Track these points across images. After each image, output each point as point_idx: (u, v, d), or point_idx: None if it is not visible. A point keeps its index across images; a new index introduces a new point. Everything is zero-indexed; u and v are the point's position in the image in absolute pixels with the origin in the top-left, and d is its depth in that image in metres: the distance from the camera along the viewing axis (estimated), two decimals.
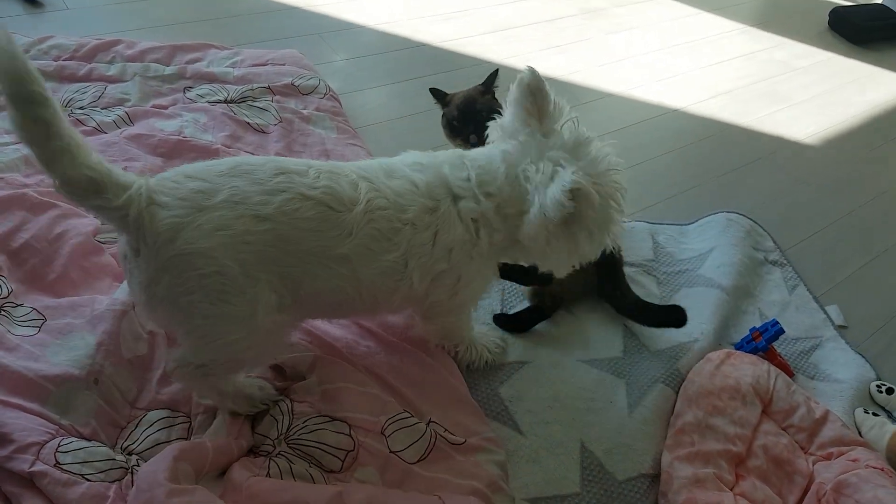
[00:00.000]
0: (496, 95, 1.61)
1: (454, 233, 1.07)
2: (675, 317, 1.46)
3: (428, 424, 1.21)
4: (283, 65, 1.90)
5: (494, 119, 1.19)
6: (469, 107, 1.58)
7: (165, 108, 1.72)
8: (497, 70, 1.59)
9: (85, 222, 1.33)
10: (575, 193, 0.95)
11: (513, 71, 2.27)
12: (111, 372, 1.12)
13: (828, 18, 3.04)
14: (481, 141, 1.56)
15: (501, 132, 1.12)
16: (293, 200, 0.97)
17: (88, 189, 0.87)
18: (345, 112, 1.86)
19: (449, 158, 1.11)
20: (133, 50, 1.84)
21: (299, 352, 1.24)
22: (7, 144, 1.42)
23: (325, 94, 1.87)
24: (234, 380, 1.12)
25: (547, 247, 1.05)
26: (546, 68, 2.30)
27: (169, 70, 1.83)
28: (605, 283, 1.52)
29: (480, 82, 1.61)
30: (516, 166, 1.05)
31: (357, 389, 1.19)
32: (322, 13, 2.26)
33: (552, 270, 1.14)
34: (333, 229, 1.00)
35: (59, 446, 1.01)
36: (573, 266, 1.12)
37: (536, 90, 1.06)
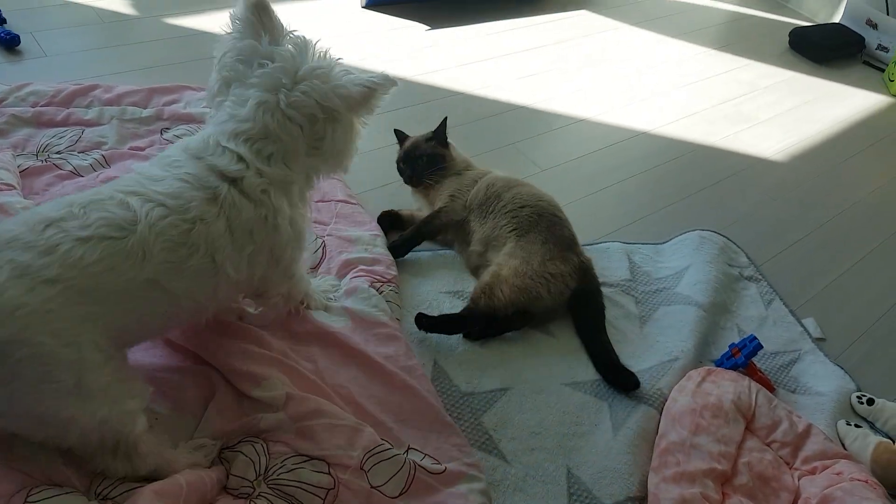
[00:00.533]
0: (449, 140, 1.77)
1: (246, 214, 1.06)
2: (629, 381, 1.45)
3: (406, 453, 1.20)
4: None
5: (436, 165, 1.52)
6: (411, 151, 1.74)
7: (142, 149, 1.72)
8: (445, 118, 1.73)
9: None
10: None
11: (485, 101, 2.31)
12: None
13: (788, 39, 3.12)
14: (419, 181, 1.72)
15: (232, 72, 1.12)
16: (73, 249, 0.91)
17: None
18: None
19: (201, 146, 1.08)
20: (111, 94, 1.85)
21: (271, 388, 1.21)
22: None
23: None
24: (171, 455, 1.08)
25: (336, 134, 1.13)
26: (516, 97, 2.34)
27: (146, 112, 1.83)
28: (584, 325, 1.56)
29: (444, 117, 1.72)
30: (277, 102, 1.08)
31: (332, 424, 1.18)
32: None
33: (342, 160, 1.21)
34: (126, 259, 0.95)
35: (28, 495, 0.98)
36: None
37: (261, 7, 1.09)
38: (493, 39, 2.64)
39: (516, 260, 1.52)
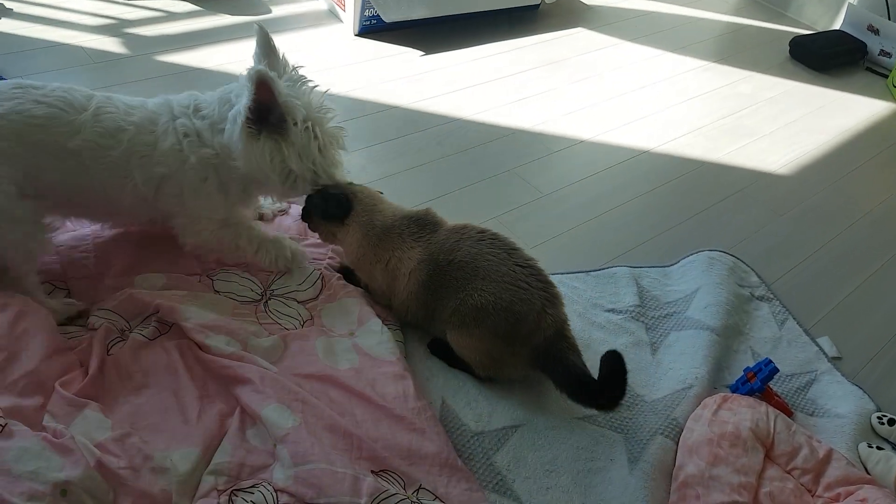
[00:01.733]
0: None
1: (168, 141, 1.30)
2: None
3: (417, 492, 1.17)
4: None
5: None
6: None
7: None
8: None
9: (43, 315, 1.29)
10: (250, 77, 1.21)
11: (482, 126, 2.27)
12: (79, 478, 1.04)
13: (788, 48, 3.09)
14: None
15: None
16: (25, 104, 1.21)
17: None
18: None
19: (181, 95, 1.37)
20: None
21: (281, 418, 1.20)
22: None
23: None
24: (39, 294, 1.33)
25: (250, 155, 1.28)
26: (514, 121, 2.32)
27: None
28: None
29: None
30: (230, 92, 1.33)
31: (333, 471, 1.15)
32: None
33: (276, 194, 1.45)
34: (62, 126, 1.23)
35: None
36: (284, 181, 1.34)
37: (266, 46, 1.32)
38: (488, 62, 2.63)
39: (471, 352, 1.39)
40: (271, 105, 1.25)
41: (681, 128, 2.45)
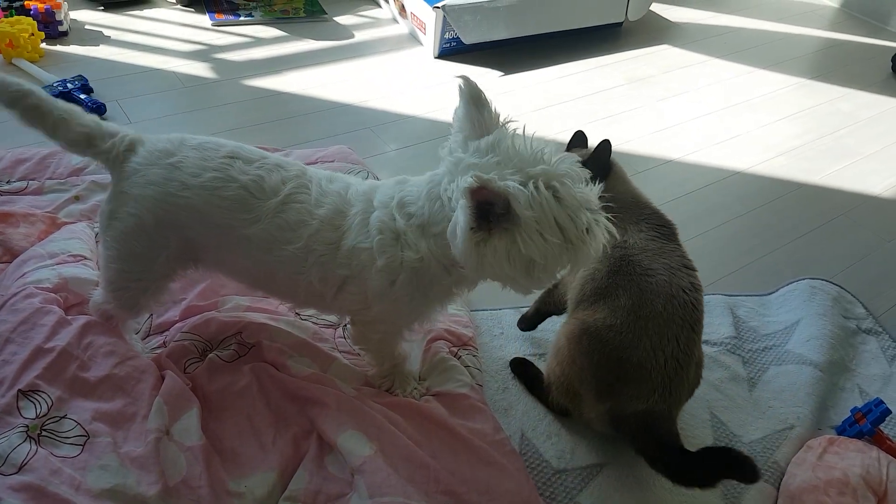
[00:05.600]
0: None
1: (356, 239, 1.11)
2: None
3: None
4: (333, 161, 1.89)
5: None
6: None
7: None
8: (606, 141, 1.47)
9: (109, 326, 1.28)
10: (466, 193, 0.91)
11: (562, 146, 2.20)
12: (155, 497, 1.04)
13: (891, 64, 2.92)
14: None
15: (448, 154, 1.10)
16: (221, 179, 1.10)
17: (84, 143, 1.10)
18: None
19: (389, 181, 1.17)
20: None
21: (357, 445, 1.17)
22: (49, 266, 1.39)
23: None
24: (129, 331, 1.31)
25: (484, 261, 0.98)
26: (597, 140, 2.25)
27: None
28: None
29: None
30: (439, 185, 1.06)
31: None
32: (371, 107, 2.27)
33: (519, 290, 1.05)
34: (245, 213, 1.10)
35: None
36: (541, 281, 1.02)
37: (477, 100, 1.06)
38: (569, 81, 2.58)
39: (561, 365, 1.28)
40: (492, 199, 0.95)
41: (776, 147, 2.33)
